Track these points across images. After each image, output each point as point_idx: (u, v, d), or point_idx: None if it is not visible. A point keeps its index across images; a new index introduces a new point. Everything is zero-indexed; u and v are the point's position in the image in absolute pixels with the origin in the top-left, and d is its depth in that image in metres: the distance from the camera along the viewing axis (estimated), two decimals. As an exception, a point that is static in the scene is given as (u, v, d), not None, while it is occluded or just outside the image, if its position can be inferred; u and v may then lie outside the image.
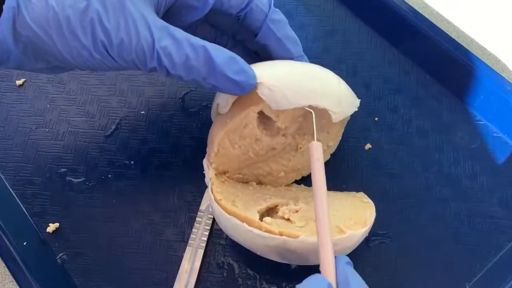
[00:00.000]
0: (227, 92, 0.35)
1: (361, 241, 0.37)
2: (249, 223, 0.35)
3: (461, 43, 0.47)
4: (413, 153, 0.45)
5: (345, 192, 0.42)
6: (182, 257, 0.42)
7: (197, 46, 0.32)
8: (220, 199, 0.36)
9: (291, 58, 0.39)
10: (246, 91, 0.34)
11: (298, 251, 0.34)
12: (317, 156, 0.33)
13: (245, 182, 0.43)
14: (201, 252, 0.42)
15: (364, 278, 0.30)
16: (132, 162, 0.47)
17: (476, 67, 0.45)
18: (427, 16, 0.49)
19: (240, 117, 0.37)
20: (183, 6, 0.37)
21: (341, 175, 0.45)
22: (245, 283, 0.41)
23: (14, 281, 0.41)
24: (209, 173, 0.39)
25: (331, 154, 0.44)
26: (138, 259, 0.43)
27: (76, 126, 0.49)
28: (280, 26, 0.38)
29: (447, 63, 0.47)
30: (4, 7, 0.30)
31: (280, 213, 0.37)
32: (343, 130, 0.44)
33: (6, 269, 0.42)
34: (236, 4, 0.37)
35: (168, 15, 0.37)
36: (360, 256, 0.41)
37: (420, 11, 0.49)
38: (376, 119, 0.47)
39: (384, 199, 0.43)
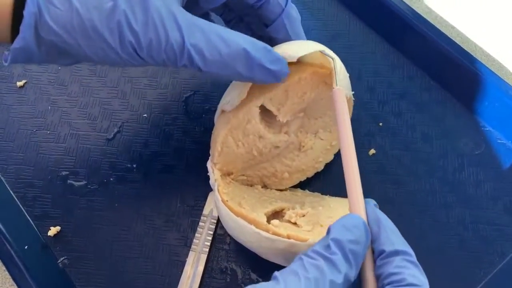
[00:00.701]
0: (261, 83, 0.34)
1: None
2: (257, 225, 0.34)
3: (465, 48, 0.47)
4: (417, 159, 0.45)
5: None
6: (184, 262, 0.42)
7: (230, 41, 0.31)
8: (227, 200, 0.36)
9: None
10: (281, 78, 0.34)
11: (305, 255, 0.34)
12: (341, 99, 0.33)
13: (250, 185, 0.42)
14: (204, 257, 0.42)
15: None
16: (134, 166, 0.46)
17: (480, 72, 0.45)
18: (431, 21, 0.49)
19: (243, 112, 0.37)
20: None
21: (342, 181, 0.45)
22: (248, 289, 0.41)
23: (15, 285, 0.41)
24: (215, 174, 0.39)
25: (334, 155, 0.44)
26: (140, 263, 0.43)
27: (78, 128, 0.48)
28: (293, 23, 0.38)
29: (451, 68, 0.47)
30: (25, 12, 0.29)
31: (286, 217, 0.37)
32: None
33: (7, 272, 0.41)
34: None
35: (186, 3, 0.37)
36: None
37: (424, 16, 0.49)
38: (381, 124, 0.47)
39: (388, 204, 0.43)
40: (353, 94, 0.41)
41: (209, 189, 0.44)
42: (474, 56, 0.47)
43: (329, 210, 0.37)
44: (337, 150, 0.44)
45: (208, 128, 0.47)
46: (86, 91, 0.50)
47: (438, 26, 0.49)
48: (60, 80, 0.51)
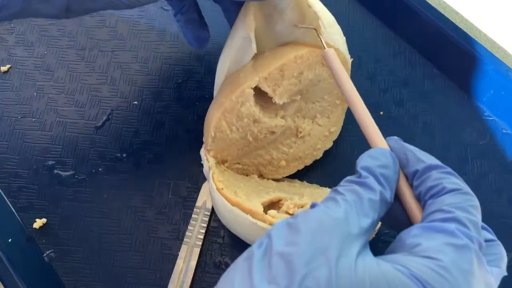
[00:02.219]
0: None
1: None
2: (253, 215, 0.33)
3: (469, 34, 0.45)
4: (419, 149, 0.44)
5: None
6: (177, 255, 0.40)
7: None
8: (222, 188, 0.35)
9: None
10: None
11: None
12: (333, 58, 0.32)
13: (246, 174, 0.41)
14: (197, 251, 0.40)
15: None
16: (124, 155, 0.45)
17: (485, 60, 0.44)
18: (435, 6, 0.47)
19: (236, 95, 0.36)
20: None
21: (342, 172, 0.42)
22: (243, 284, 0.40)
23: (-2, 279, 0.39)
24: (209, 161, 0.37)
25: (333, 142, 0.43)
26: (130, 257, 0.41)
27: (65, 116, 0.46)
28: None
29: (455, 55, 0.45)
30: None
31: (284, 208, 0.36)
32: (343, 116, 0.42)
33: (-10, 267, 0.40)
34: None
35: None
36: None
37: (427, 0, 0.47)
38: (381, 113, 0.45)
39: (389, 197, 0.42)
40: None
41: (202, 180, 0.43)
42: (479, 42, 0.45)
43: (329, 203, 0.36)
44: (336, 137, 0.43)
45: (201, 116, 0.46)
46: (74, 77, 0.48)
47: (441, 11, 0.47)
48: (46, 65, 0.49)
